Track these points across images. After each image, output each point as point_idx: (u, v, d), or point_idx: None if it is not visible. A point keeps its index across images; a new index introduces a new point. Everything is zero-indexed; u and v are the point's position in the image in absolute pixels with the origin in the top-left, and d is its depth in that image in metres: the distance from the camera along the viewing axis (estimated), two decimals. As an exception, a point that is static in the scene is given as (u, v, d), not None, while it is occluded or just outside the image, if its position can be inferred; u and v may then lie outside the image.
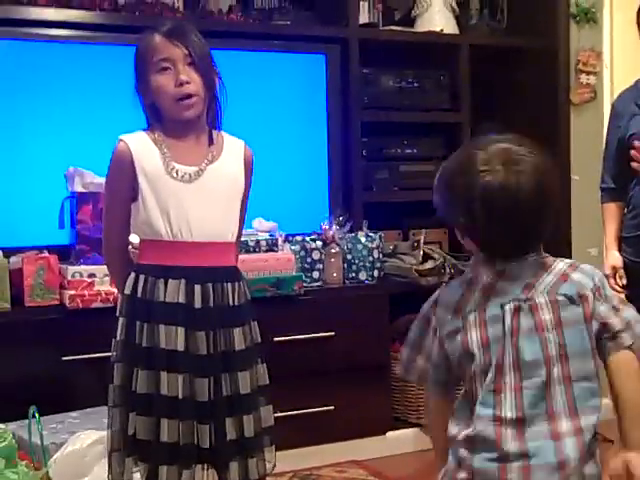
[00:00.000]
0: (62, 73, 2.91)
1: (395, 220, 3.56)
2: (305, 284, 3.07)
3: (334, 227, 3.20)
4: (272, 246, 3.05)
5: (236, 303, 1.99)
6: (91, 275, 2.70)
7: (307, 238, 3.16)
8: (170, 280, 1.93)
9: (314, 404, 3.04)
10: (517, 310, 1.46)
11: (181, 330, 1.91)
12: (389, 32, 3.51)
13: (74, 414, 2.43)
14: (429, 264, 3.32)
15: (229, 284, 1.98)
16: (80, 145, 2.92)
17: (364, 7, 3.47)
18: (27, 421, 2.13)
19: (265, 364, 2.05)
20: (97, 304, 2.67)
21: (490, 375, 1.45)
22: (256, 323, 2.05)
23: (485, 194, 1.41)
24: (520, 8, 3.73)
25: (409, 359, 1.63)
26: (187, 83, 1.94)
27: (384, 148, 3.49)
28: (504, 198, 1.41)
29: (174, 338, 1.91)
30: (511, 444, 1.43)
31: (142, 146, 1.96)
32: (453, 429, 1.51)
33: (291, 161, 3.28)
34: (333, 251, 3.19)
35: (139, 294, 1.94)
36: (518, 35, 3.71)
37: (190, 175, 1.96)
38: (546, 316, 1.46)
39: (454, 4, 3.66)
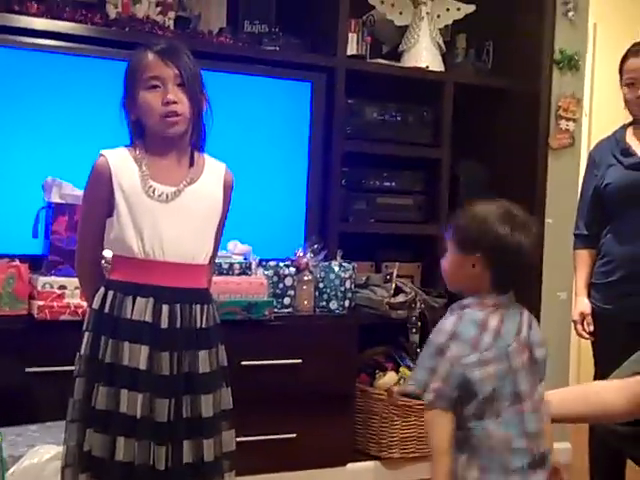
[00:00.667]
0: (48, 83, 2.91)
1: (369, 252, 3.58)
2: (276, 310, 3.08)
3: (308, 254, 3.21)
4: (245, 269, 3.05)
5: (204, 326, 1.99)
6: (62, 287, 2.68)
7: (281, 264, 3.16)
8: (138, 298, 1.93)
9: (277, 431, 3.03)
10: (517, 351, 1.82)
11: (145, 349, 1.91)
12: (376, 65, 3.55)
13: (34, 427, 2.40)
14: (400, 298, 3.34)
15: (198, 306, 1.98)
16: (60, 156, 2.91)
17: (353, 38, 3.51)
18: (-14, 431, 2.11)
19: (230, 388, 2.04)
20: (65, 317, 2.65)
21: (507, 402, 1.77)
22: (223, 347, 2.05)
23: (510, 246, 1.83)
24: (505, 50, 3.78)
25: (428, 384, 1.78)
26: (174, 103, 1.96)
27: (363, 179, 3.52)
28: (520, 251, 1.84)
29: (137, 356, 1.90)
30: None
31: (122, 162, 1.97)
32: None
33: (270, 186, 3.29)
34: (306, 278, 3.20)
35: (107, 309, 1.94)
36: (502, 77, 3.76)
37: (167, 195, 1.97)
38: (538, 354, 1.89)
39: (441, 42, 3.71)
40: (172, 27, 3.16)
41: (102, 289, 1.97)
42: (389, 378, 3.28)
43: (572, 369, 4.23)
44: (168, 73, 1.97)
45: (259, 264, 3.12)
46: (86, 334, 1.96)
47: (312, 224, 3.35)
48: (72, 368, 2.54)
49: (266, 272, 3.12)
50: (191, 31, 3.22)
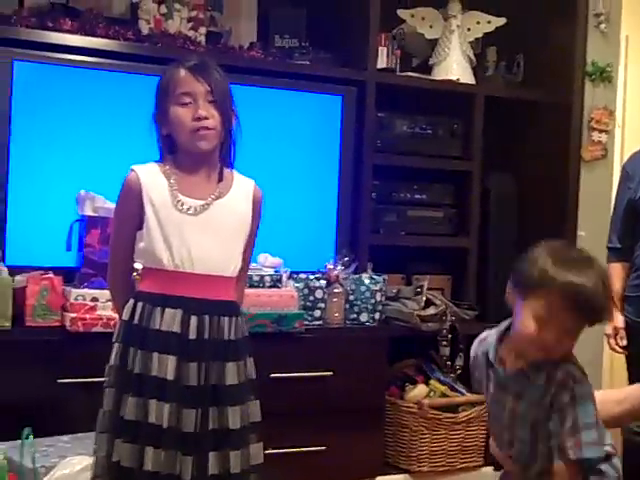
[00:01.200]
0: (81, 98, 2.95)
1: (399, 264, 3.57)
2: (306, 322, 3.08)
3: (339, 267, 3.21)
4: (276, 282, 3.07)
5: (232, 338, 2.01)
6: (94, 299, 2.71)
7: (311, 276, 3.17)
8: (167, 309, 1.95)
9: (306, 443, 3.03)
10: None
11: (173, 359, 1.93)
12: (406, 78, 3.55)
13: (65, 438, 2.42)
14: (431, 310, 3.33)
15: (226, 318, 2.00)
16: (93, 169, 2.95)
17: (383, 52, 3.51)
18: (19, 442, 2.13)
19: (258, 401, 2.05)
20: (98, 328, 2.68)
21: None
22: (252, 359, 2.06)
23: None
24: (536, 63, 3.77)
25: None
26: (205, 118, 1.99)
27: (394, 192, 3.52)
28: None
29: (165, 367, 1.92)
30: None
31: (151, 177, 2.01)
32: None
33: (301, 199, 3.30)
34: (336, 291, 3.20)
35: (136, 321, 1.97)
36: (533, 89, 3.75)
37: (195, 208, 2.00)
38: None
39: (471, 55, 3.70)
40: (203, 42, 3.19)
41: (131, 300, 2.00)
42: (419, 391, 3.26)
43: (604, 384, 4.18)
44: (199, 89, 2.00)
45: (290, 277, 3.13)
46: (116, 345, 1.99)
47: (343, 237, 3.35)
48: (102, 379, 2.60)
49: (297, 285, 3.13)
50: (222, 46, 3.25)
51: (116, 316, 2.65)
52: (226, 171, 2.07)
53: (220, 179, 2.05)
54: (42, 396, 2.59)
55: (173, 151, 2.05)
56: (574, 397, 1.73)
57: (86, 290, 2.73)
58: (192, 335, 1.95)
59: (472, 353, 1.93)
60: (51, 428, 2.45)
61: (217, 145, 2.04)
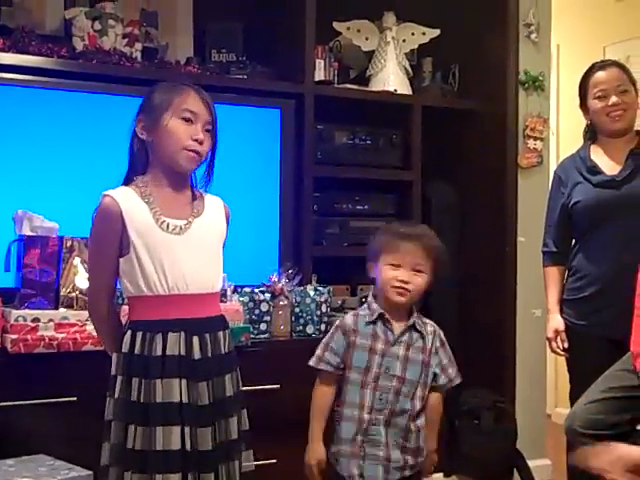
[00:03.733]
0: (15, 117, 2.91)
1: (344, 275, 3.58)
2: (252, 336, 3.07)
3: (283, 280, 3.21)
4: (221, 297, 3.04)
5: (227, 350, 2.05)
6: (35, 319, 2.66)
7: (256, 290, 3.16)
8: (170, 334, 1.95)
9: (256, 457, 3.00)
10: None
11: (184, 382, 1.93)
12: (344, 90, 3.58)
13: (10, 462, 2.36)
14: (376, 320, 3.34)
15: (221, 332, 2.04)
16: (30, 188, 2.90)
17: (320, 64, 3.54)
18: (-39, 467, 2.08)
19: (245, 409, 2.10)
20: (40, 349, 2.62)
21: None
22: (239, 369, 2.10)
23: None
24: (471, 73, 3.84)
25: None
26: (200, 143, 2.01)
27: (335, 203, 3.54)
28: None
29: (175, 391, 1.92)
30: None
31: (130, 201, 1.99)
32: None
33: (243, 213, 3.27)
34: (281, 303, 3.20)
35: (137, 351, 1.95)
36: (469, 98, 3.81)
37: (180, 227, 2.00)
38: None
39: (407, 66, 3.75)
40: (139, 58, 3.18)
41: (129, 332, 1.98)
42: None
43: (549, 386, 4.25)
44: (203, 114, 2.04)
45: (234, 291, 3.12)
46: (118, 378, 1.97)
47: (286, 249, 3.35)
48: (47, 401, 2.56)
49: (241, 298, 3.12)
50: (159, 61, 3.24)
51: (59, 336, 2.64)
52: (195, 190, 2.10)
53: (194, 198, 2.07)
54: (-16, 420, 2.53)
55: (145, 168, 2.04)
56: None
57: (27, 311, 2.68)
58: (196, 355, 1.97)
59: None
60: (-5, 452, 2.40)
61: (197, 168, 2.07)
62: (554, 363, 4.63)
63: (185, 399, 1.93)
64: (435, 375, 2.38)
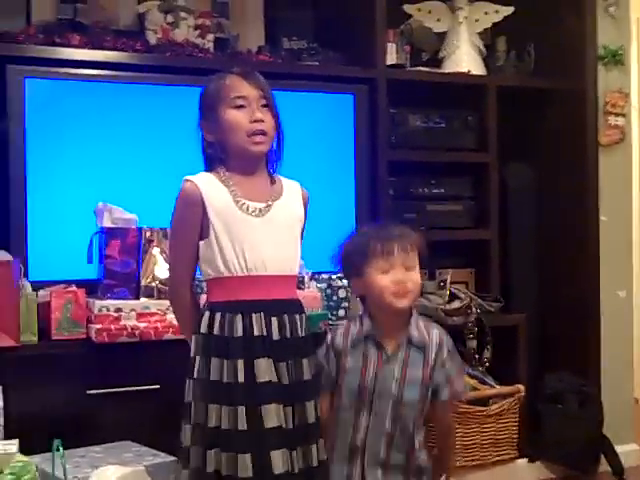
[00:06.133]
0: (93, 111, 2.96)
1: (422, 259, 3.54)
2: (331, 322, 3.06)
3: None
4: (299, 284, 3.05)
5: (304, 334, 2.05)
6: (118, 310, 2.71)
7: (333, 276, 3.16)
8: (250, 314, 1.96)
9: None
10: None
11: (270, 361, 1.94)
12: (417, 73, 3.54)
13: (97, 448, 2.42)
14: (455, 304, 3.30)
15: (297, 316, 2.04)
16: (111, 181, 2.95)
17: (392, 48, 3.50)
18: (51, 454, 2.13)
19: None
20: (123, 339, 2.67)
21: None
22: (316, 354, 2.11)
23: None
24: (547, 50, 3.74)
25: None
26: (261, 121, 2.01)
27: (411, 187, 3.50)
28: None
29: (263, 370, 1.93)
30: None
31: (209, 185, 2.01)
32: None
33: (318, 199, 3.27)
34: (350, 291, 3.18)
35: (216, 331, 1.97)
36: (545, 77, 3.72)
37: (260, 210, 2.02)
38: None
39: (481, 46, 3.69)
40: (212, 49, 3.20)
41: (207, 313, 2.00)
42: (448, 386, 3.23)
43: (637, 369, 4.14)
44: (253, 93, 2.03)
45: (312, 277, 3.12)
46: (197, 359, 1.98)
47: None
48: (132, 388, 2.61)
49: (319, 285, 3.12)
50: (231, 51, 3.25)
51: (141, 325, 2.69)
52: (273, 174, 2.11)
53: (272, 181, 2.08)
54: (71, 408, 2.59)
55: (222, 157, 2.05)
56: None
57: (109, 301, 2.73)
58: (275, 336, 1.97)
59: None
60: (82, 439, 2.45)
61: (269, 149, 2.07)
62: (641, 345, 4.50)
63: (274, 378, 1.94)
64: (437, 389, 2.14)
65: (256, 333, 1.95)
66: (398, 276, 2.09)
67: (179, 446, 2.01)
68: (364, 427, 2.09)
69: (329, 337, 2.17)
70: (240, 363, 1.93)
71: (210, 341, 1.97)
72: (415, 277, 2.13)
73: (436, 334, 2.16)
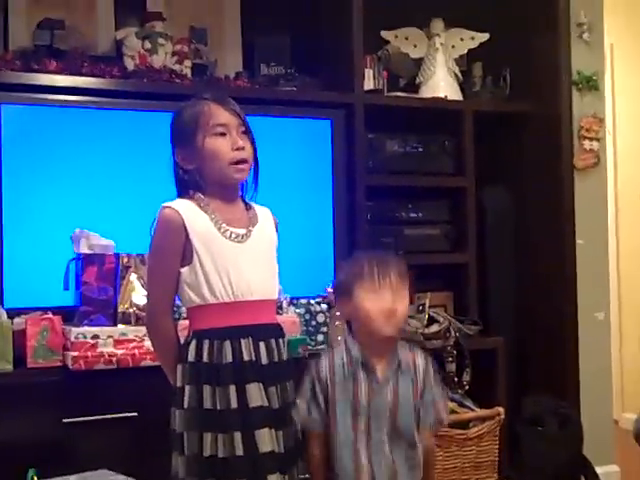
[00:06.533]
0: (70, 137, 2.96)
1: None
2: (310, 347, 3.06)
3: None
4: (277, 309, 3.04)
5: (286, 358, 2.05)
6: (95, 336, 2.69)
7: (312, 301, 3.16)
8: (239, 340, 1.96)
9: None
10: None
11: (260, 386, 1.94)
12: (394, 98, 3.57)
13: (73, 478, 2.39)
14: (434, 327, 3.31)
15: (281, 339, 2.05)
16: (87, 207, 2.95)
17: (369, 74, 3.53)
18: (26, 484, 2.11)
19: None
20: (100, 366, 2.66)
21: None
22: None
23: None
24: (523, 75, 3.78)
25: None
26: (242, 149, 2.02)
27: (389, 212, 3.51)
28: None
29: (255, 395, 1.93)
30: None
31: (190, 211, 2.00)
32: None
33: (296, 225, 3.29)
34: (338, 314, 3.18)
35: (205, 359, 1.96)
36: (521, 102, 3.76)
37: (242, 236, 2.02)
38: None
39: (457, 71, 3.72)
40: (189, 75, 3.21)
41: (194, 341, 1.98)
42: (428, 410, 3.23)
43: (616, 391, 4.16)
44: (233, 121, 2.03)
45: (290, 303, 3.12)
46: (187, 388, 1.96)
47: (340, 260, 3.33)
48: (109, 416, 2.59)
49: (298, 310, 3.11)
50: (209, 77, 3.27)
51: (118, 352, 2.67)
52: (246, 201, 2.12)
53: (247, 207, 2.10)
54: (47, 437, 2.56)
55: (199, 185, 2.04)
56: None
57: (86, 328, 2.71)
58: (264, 361, 1.97)
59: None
60: (58, 468, 2.42)
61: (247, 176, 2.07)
62: (620, 367, 4.53)
63: (265, 402, 1.94)
64: (422, 413, 2.08)
65: (246, 358, 1.95)
66: (388, 301, 2.03)
67: (174, 479, 1.98)
68: (365, 456, 2.02)
69: (313, 371, 2.07)
70: (232, 389, 1.93)
71: (200, 369, 1.96)
72: (404, 306, 2.06)
73: (422, 357, 2.13)
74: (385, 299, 2.02)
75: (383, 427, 2.03)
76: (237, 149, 2.01)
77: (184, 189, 2.07)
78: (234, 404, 1.92)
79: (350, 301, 2.06)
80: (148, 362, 2.67)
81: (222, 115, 2.02)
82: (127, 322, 2.78)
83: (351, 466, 2.01)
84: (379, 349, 2.07)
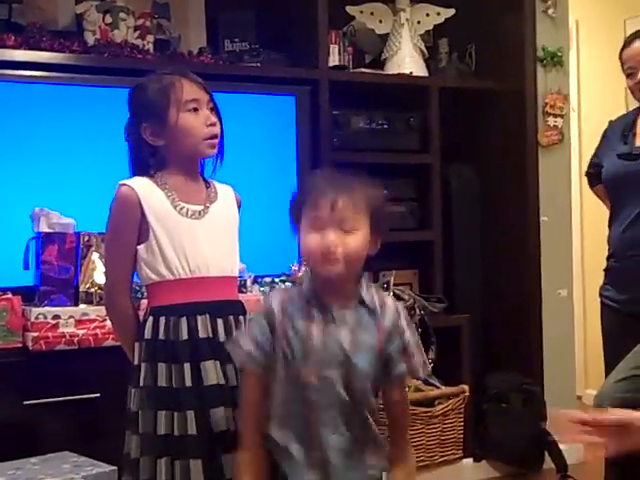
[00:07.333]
0: (30, 113, 2.89)
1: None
2: (274, 325, 3.04)
3: (303, 268, 3.18)
4: (241, 287, 3.02)
5: None
6: (55, 317, 2.65)
7: (276, 279, 3.14)
8: (195, 316, 1.93)
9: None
10: None
11: (217, 364, 1.91)
12: (359, 74, 3.54)
13: (34, 460, 2.36)
14: (399, 305, 3.31)
15: (242, 317, 2.02)
16: (46, 185, 2.89)
17: (334, 50, 3.51)
18: (-15, 467, 2.08)
19: None
20: (61, 346, 2.62)
21: None
22: None
23: None
24: (488, 52, 3.78)
25: None
26: (215, 125, 2.01)
27: (354, 189, 3.49)
28: None
29: (211, 374, 1.90)
30: None
31: (146, 188, 1.98)
32: None
33: (260, 202, 3.26)
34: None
35: (161, 336, 1.93)
36: (486, 78, 3.75)
37: (199, 212, 2.00)
38: None
39: (423, 48, 3.70)
40: (152, 50, 3.16)
41: (150, 318, 1.95)
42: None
43: (579, 367, 4.20)
44: (204, 97, 2.02)
45: (254, 281, 3.09)
46: (142, 366, 1.94)
47: (305, 238, 3.32)
48: (70, 398, 2.55)
49: (262, 289, 3.09)
50: (171, 53, 3.21)
51: (79, 332, 2.64)
52: (206, 178, 2.09)
53: (207, 185, 2.07)
54: (8, 419, 2.52)
55: (161, 162, 2.01)
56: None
57: (47, 308, 2.68)
58: (222, 338, 1.94)
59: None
60: (18, 451, 2.39)
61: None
62: (583, 344, 4.58)
63: (221, 380, 1.92)
64: (391, 362, 1.78)
65: (202, 335, 1.93)
66: (329, 238, 1.72)
67: (126, 458, 1.96)
68: (313, 400, 1.73)
69: (263, 304, 1.83)
70: (187, 367, 1.90)
71: (156, 346, 1.93)
72: (351, 242, 1.73)
73: (392, 300, 1.84)
74: (326, 234, 1.72)
75: (336, 368, 1.73)
76: (210, 125, 2.00)
77: (143, 165, 2.03)
78: (189, 382, 1.90)
79: (297, 226, 1.81)
80: (110, 342, 2.63)
81: (193, 90, 2.00)
82: (89, 302, 2.75)
83: (298, 406, 1.74)
84: (331, 285, 1.77)
